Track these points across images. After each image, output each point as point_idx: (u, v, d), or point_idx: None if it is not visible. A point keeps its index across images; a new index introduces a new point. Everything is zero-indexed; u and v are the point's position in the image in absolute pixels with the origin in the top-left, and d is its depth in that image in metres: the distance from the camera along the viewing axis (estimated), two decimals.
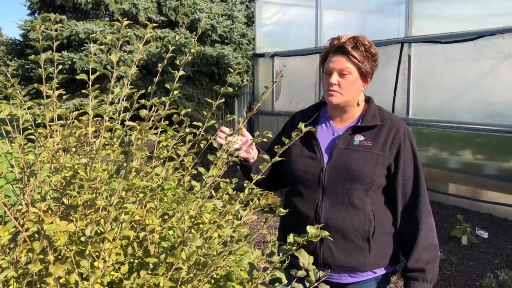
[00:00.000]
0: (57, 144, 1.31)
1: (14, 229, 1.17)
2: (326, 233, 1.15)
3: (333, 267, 1.56)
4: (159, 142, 1.52)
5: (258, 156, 1.66)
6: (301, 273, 1.16)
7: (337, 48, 1.56)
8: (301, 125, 1.42)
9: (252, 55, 9.36)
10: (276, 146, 1.48)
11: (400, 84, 5.66)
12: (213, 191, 1.40)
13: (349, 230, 1.53)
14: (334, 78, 1.56)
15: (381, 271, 1.59)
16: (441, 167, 5.40)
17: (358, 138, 1.57)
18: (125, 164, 1.15)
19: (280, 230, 1.75)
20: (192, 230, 1.29)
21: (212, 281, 1.29)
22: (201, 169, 1.41)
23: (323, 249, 1.56)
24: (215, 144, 1.51)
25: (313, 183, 1.59)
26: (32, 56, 1.39)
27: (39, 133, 1.33)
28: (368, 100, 1.67)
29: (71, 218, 1.20)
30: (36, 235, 1.08)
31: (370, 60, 1.57)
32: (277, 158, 1.44)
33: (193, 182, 1.39)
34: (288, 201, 1.68)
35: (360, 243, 1.54)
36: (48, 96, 1.39)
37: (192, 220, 1.30)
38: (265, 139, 1.50)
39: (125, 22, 1.40)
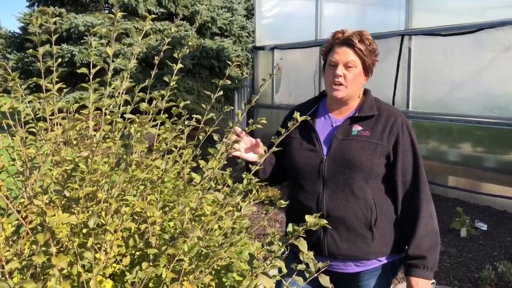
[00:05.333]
0: (58, 138, 1.32)
1: (17, 221, 1.18)
2: (324, 221, 1.17)
3: (338, 256, 1.58)
4: (159, 135, 1.53)
5: (265, 162, 1.67)
6: (301, 266, 1.17)
7: (343, 40, 1.58)
8: (296, 115, 1.43)
9: (252, 48, 9.33)
10: (273, 137, 1.49)
11: (400, 77, 5.65)
12: (212, 183, 1.41)
13: (352, 220, 1.55)
14: (340, 70, 1.57)
15: (386, 259, 1.61)
16: (441, 159, 5.41)
17: (356, 128, 1.59)
18: (125, 157, 1.16)
19: (286, 224, 1.77)
20: (193, 222, 1.30)
21: (213, 272, 1.30)
22: (201, 162, 1.42)
23: (327, 240, 1.58)
24: (215, 137, 1.51)
25: (313, 175, 1.60)
26: (30, 50, 1.39)
27: (40, 126, 1.34)
28: (365, 91, 1.68)
29: (72, 210, 1.21)
30: (39, 227, 1.09)
31: (372, 55, 1.60)
32: (274, 149, 1.46)
33: (193, 174, 1.40)
34: (291, 195, 1.70)
35: (363, 232, 1.56)
36: (47, 90, 1.39)
37: (193, 212, 1.31)
38: (259, 126, 1.50)
39: (120, 14, 1.40)
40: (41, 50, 1.35)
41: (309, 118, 1.52)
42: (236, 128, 1.58)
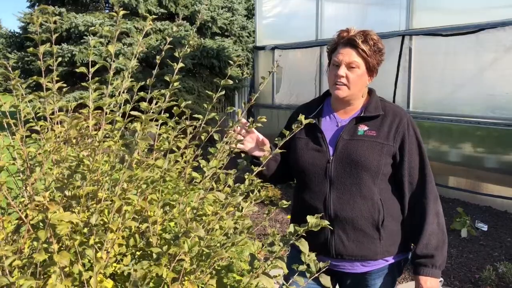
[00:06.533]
0: (59, 137, 1.31)
1: (17, 221, 1.18)
2: (326, 222, 1.16)
3: (345, 257, 1.58)
4: (159, 134, 1.53)
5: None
6: (302, 267, 1.17)
7: (347, 41, 1.57)
8: (301, 117, 1.42)
9: (252, 47, 9.33)
10: (276, 139, 1.48)
11: (401, 77, 5.64)
12: (214, 183, 1.41)
13: (359, 220, 1.55)
14: (342, 71, 1.56)
15: (392, 259, 1.61)
16: (441, 160, 5.41)
17: (362, 128, 1.59)
18: (127, 155, 1.15)
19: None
20: (194, 222, 1.30)
21: (214, 272, 1.30)
22: (202, 162, 1.42)
23: (335, 240, 1.57)
24: (216, 137, 1.51)
25: (320, 175, 1.60)
26: (31, 49, 1.39)
27: (40, 125, 1.34)
28: (370, 91, 1.68)
29: (73, 209, 1.20)
30: (41, 224, 1.09)
31: (377, 55, 1.59)
32: (277, 151, 1.45)
33: (194, 174, 1.39)
34: (297, 195, 1.69)
35: (370, 232, 1.56)
36: (48, 89, 1.39)
37: (194, 211, 1.30)
38: (259, 124, 1.50)
39: (122, 13, 1.40)
40: (41, 48, 1.34)
41: (314, 121, 1.52)
42: (242, 119, 1.57)
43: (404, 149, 1.57)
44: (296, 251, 1.31)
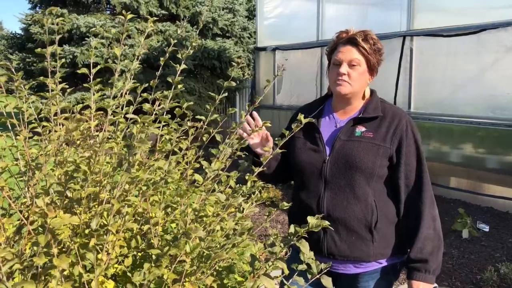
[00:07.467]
0: (61, 138, 1.32)
1: (18, 222, 1.18)
2: (326, 223, 1.17)
3: (337, 257, 1.57)
4: (161, 136, 1.53)
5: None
6: (301, 266, 1.17)
7: (347, 39, 1.58)
8: (300, 116, 1.43)
9: (253, 48, 9.33)
10: (276, 138, 1.49)
11: (402, 78, 5.64)
12: (216, 185, 1.41)
13: (352, 221, 1.55)
14: (344, 68, 1.57)
15: (386, 262, 1.60)
16: (442, 160, 5.40)
17: (360, 129, 1.59)
18: (127, 157, 1.15)
19: (288, 224, 1.77)
20: (195, 223, 1.30)
21: (215, 273, 1.30)
22: (204, 163, 1.42)
23: (327, 240, 1.57)
24: (218, 138, 1.51)
25: (316, 175, 1.60)
26: (39, 49, 1.39)
27: (43, 126, 1.34)
28: (371, 92, 1.68)
29: (74, 211, 1.21)
30: (40, 229, 1.09)
31: (377, 54, 1.59)
32: (278, 150, 1.45)
33: (196, 176, 1.39)
34: (295, 194, 1.70)
35: (363, 233, 1.55)
36: (51, 90, 1.39)
37: (196, 213, 1.31)
38: (264, 129, 1.50)
39: (129, 16, 1.41)
40: (49, 49, 1.35)
41: (313, 120, 1.52)
42: (253, 113, 1.58)
43: (401, 151, 1.56)
44: (295, 252, 1.31)
